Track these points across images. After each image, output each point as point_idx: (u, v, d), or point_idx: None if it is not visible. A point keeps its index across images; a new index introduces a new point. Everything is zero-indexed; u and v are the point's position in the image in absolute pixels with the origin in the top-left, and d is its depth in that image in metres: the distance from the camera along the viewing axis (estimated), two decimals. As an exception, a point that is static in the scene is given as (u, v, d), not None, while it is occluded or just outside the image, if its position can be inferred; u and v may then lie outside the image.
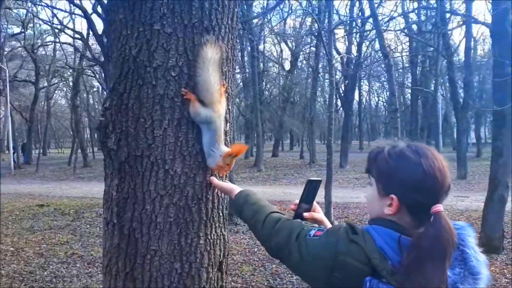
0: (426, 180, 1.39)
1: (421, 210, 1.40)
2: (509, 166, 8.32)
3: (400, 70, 36.17)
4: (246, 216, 1.86)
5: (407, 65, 34.07)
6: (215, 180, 2.14)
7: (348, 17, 23.45)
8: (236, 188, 2.02)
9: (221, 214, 2.26)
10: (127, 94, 2.10)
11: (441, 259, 1.32)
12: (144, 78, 2.07)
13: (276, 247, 1.65)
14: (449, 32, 23.47)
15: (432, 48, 23.00)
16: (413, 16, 26.52)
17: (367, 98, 56.54)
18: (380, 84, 48.89)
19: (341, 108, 32.39)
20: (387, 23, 21.45)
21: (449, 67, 21.83)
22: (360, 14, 24.07)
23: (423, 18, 25.80)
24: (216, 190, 2.20)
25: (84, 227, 10.43)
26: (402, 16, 24.95)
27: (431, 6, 21.09)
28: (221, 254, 2.26)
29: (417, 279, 1.30)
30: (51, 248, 8.46)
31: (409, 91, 36.09)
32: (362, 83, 41.62)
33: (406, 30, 23.59)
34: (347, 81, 24.89)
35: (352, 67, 25.16)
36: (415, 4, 24.52)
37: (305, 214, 1.81)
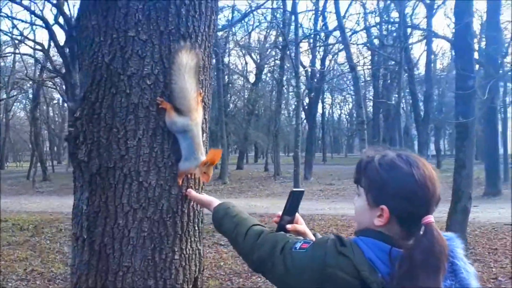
0: (417, 190, 1.36)
1: (411, 221, 1.37)
2: (472, 177, 8.52)
3: (362, 84, 36.76)
4: (226, 229, 1.79)
5: (368, 78, 34.68)
6: (192, 192, 2.06)
7: (313, 31, 23.75)
8: (215, 201, 1.95)
9: (196, 228, 2.17)
10: (99, 103, 2.01)
11: (435, 271, 1.29)
12: (117, 87, 1.99)
13: (259, 260, 1.59)
14: (410, 46, 24.02)
15: (393, 62, 23.47)
16: (374, 30, 27.06)
17: (330, 111, 57.17)
18: (343, 97, 49.70)
19: (305, 121, 32.68)
20: (350, 37, 21.81)
21: (410, 80, 22.34)
22: (324, 27, 24.41)
23: (385, 32, 26.34)
24: (192, 203, 2.12)
25: (44, 242, 10.09)
26: (364, 31, 25.41)
27: (393, 20, 21.58)
28: (197, 270, 2.18)
29: None
30: (9, 265, 8.14)
31: (371, 104, 36.79)
32: (325, 96, 42.08)
33: (368, 44, 24.03)
34: (312, 94, 25.14)
35: (316, 80, 25.43)
36: (377, 19, 25.04)
37: (288, 226, 1.76)
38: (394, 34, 22.83)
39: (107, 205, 2.00)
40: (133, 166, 1.98)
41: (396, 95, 23.54)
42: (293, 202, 1.75)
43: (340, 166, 35.59)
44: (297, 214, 1.80)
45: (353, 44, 24.10)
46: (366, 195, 1.45)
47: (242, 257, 1.74)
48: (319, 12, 24.86)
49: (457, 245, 1.40)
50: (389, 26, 24.88)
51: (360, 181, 1.49)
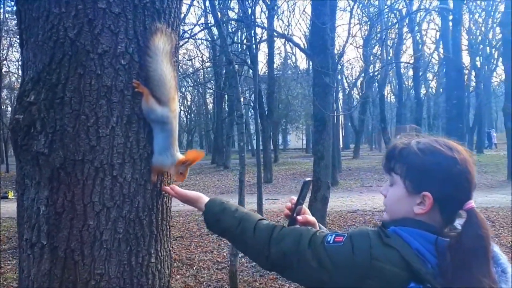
0: (461, 175, 1.32)
1: (453, 207, 1.34)
2: (330, 168, 9.07)
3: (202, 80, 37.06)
4: (227, 226, 1.61)
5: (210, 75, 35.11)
6: (177, 188, 1.83)
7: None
8: (203, 196, 1.76)
9: (168, 227, 1.96)
10: (62, 85, 1.69)
11: (485, 257, 1.26)
12: (85, 66, 1.69)
13: (279, 256, 1.45)
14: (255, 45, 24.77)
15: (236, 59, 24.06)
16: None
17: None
18: (181, 94, 49.73)
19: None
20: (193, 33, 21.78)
21: (254, 78, 23.10)
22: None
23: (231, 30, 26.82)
24: (165, 199, 1.91)
25: None
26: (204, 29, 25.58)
27: (239, 18, 22.07)
28: (169, 273, 1.97)
29: (467, 281, 1.22)
30: None
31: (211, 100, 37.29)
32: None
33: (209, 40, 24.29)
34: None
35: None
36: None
37: (299, 218, 1.65)
38: (239, 32, 23.45)
39: (74, 205, 1.70)
40: (105, 158, 1.72)
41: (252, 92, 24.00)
42: (303, 193, 1.66)
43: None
44: (303, 205, 1.71)
45: (197, 39, 24.23)
46: (404, 182, 1.39)
47: (250, 256, 1.60)
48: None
49: None
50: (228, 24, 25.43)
51: (394, 169, 1.42)
